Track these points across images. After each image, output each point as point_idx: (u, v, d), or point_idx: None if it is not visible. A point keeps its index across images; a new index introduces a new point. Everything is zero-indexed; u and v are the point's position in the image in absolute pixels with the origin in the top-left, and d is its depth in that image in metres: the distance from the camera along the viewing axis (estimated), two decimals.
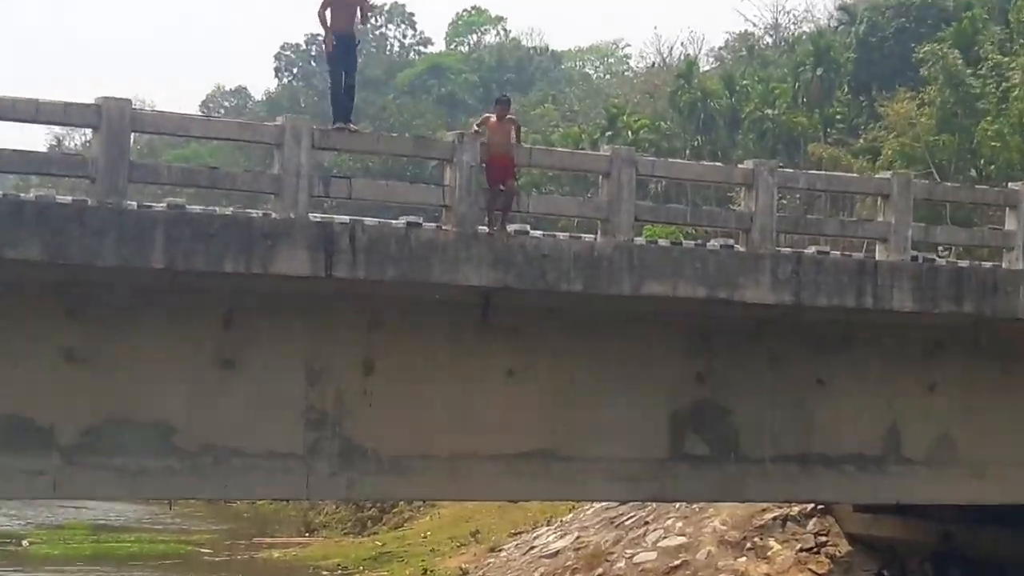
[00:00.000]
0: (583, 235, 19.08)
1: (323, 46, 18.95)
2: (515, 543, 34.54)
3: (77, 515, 45.61)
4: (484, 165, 17.29)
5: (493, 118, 17.01)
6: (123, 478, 17.79)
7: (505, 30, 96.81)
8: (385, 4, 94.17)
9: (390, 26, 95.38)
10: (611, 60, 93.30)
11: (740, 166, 20.95)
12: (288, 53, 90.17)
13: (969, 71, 42.80)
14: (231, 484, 19.27)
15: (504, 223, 17.54)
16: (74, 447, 17.08)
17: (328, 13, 18.17)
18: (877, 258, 19.97)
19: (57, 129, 49.66)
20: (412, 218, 17.74)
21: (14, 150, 17.69)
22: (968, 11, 48.16)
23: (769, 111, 53.32)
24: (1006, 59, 41.58)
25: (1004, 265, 20.70)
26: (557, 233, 19.29)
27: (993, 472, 21.81)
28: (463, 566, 34.59)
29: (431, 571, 34.87)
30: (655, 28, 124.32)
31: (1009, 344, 21.39)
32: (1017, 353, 21.62)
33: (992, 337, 21.11)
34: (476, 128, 17.44)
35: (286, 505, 46.27)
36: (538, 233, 18.40)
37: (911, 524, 26.28)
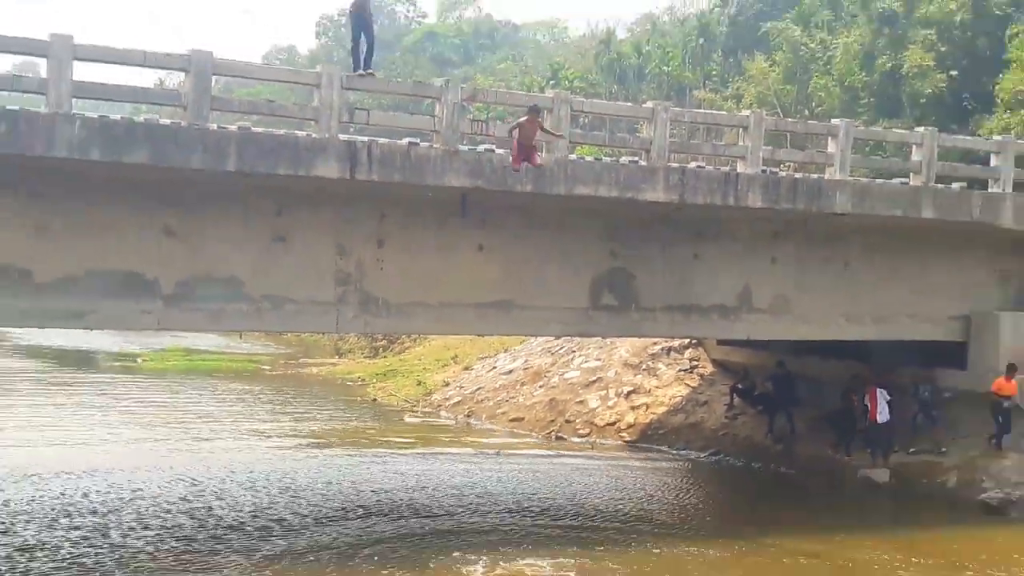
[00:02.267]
0: None
1: (348, 17, 18.66)
2: (482, 364, 34.72)
3: (175, 342, 45.59)
4: (516, 145, 16.94)
5: (526, 119, 16.80)
6: (207, 316, 17.75)
7: (480, 8, 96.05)
8: None
9: (398, 4, 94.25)
10: (555, 31, 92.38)
11: (644, 105, 20.62)
12: (325, 21, 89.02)
13: (806, 40, 42.52)
14: (284, 321, 19.16)
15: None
16: (172, 295, 16.96)
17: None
18: (738, 171, 19.75)
19: (160, 72, 48.55)
20: (412, 139, 17.57)
21: (129, 86, 17.68)
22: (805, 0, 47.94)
23: (665, 68, 53.04)
24: (829, 37, 41.39)
25: (826, 176, 20.53)
26: None
27: (812, 319, 22.02)
28: (446, 379, 34.74)
29: (423, 382, 34.99)
30: (587, 8, 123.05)
31: (827, 231, 21.46)
32: (832, 237, 21.76)
33: (816, 226, 21.15)
34: (516, 124, 17.14)
35: (322, 337, 46.35)
36: (501, 151, 18.09)
37: (757, 353, 26.59)
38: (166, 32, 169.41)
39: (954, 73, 34.49)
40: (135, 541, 17.01)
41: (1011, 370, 21.81)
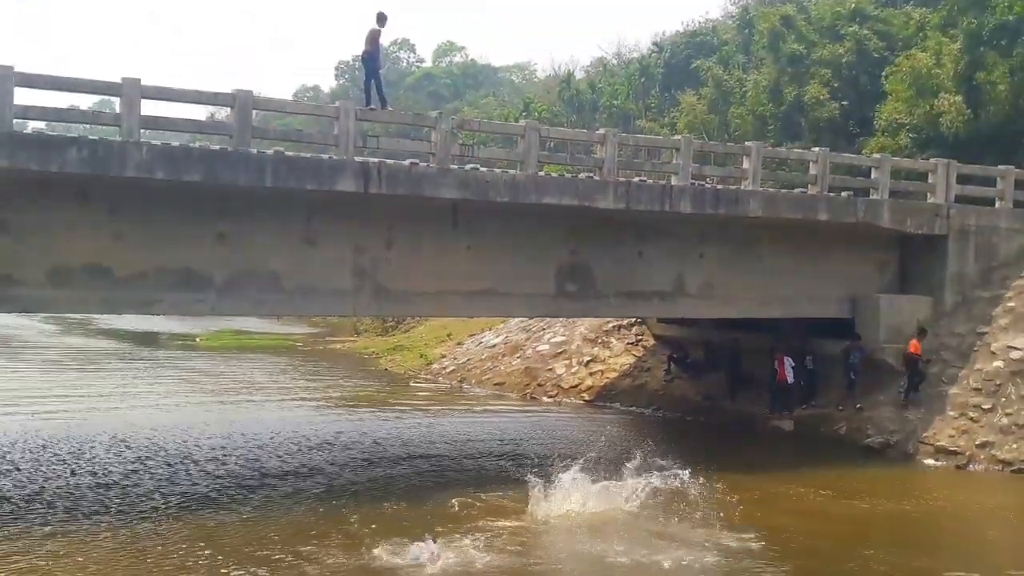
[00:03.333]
0: (510, 170, 18.79)
1: (361, 63, 18.64)
2: (471, 340, 34.71)
3: (225, 325, 45.42)
4: None
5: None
6: (251, 304, 17.87)
7: (467, 54, 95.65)
8: (397, 39, 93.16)
9: (401, 52, 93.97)
10: (526, 72, 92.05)
11: (597, 132, 20.68)
12: (342, 66, 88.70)
13: (726, 77, 42.54)
14: (312, 307, 19.44)
15: None
16: (223, 287, 16.97)
17: (365, 48, 18.21)
18: (672, 184, 19.84)
19: (211, 108, 48.38)
20: (413, 160, 17.58)
21: (186, 119, 17.98)
22: (724, 46, 47.85)
23: (614, 101, 52.85)
24: (745, 75, 41.44)
25: (742, 188, 20.65)
26: (495, 169, 18.98)
27: (732, 301, 22.10)
28: (443, 353, 34.73)
29: (424, 355, 34.97)
30: (551, 53, 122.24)
31: (743, 231, 21.54)
32: (747, 236, 21.80)
33: (735, 227, 21.25)
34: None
35: (344, 319, 46.12)
36: (484, 169, 18.15)
37: (690, 329, 26.58)
38: (166, 32, 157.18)
39: (845, 103, 34.72)
40: (225, 478, 17.27)
41: (921, 334, 21.91)
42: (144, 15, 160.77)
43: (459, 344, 35.10)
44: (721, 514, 14.73)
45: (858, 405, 22.21)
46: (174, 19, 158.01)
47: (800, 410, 22.88)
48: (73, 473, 17.21)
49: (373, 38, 18.28)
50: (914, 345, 21.68)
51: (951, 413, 20.70)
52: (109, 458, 18.44)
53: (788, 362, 22.69)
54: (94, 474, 17.23)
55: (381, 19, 18.31)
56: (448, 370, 32.41)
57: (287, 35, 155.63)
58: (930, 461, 20.01)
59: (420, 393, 29.06)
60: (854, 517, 16.11)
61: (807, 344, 23.42)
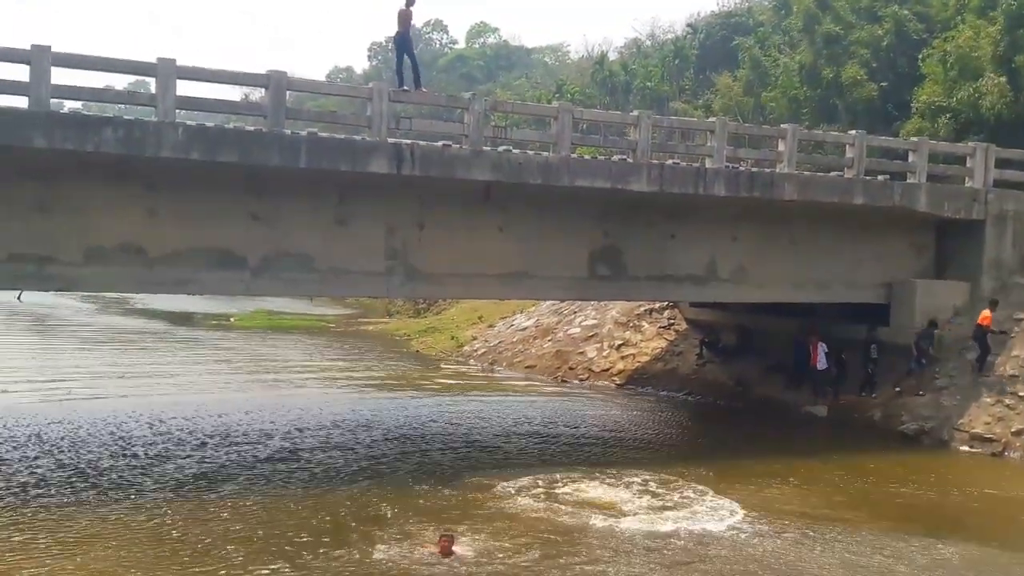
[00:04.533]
0: (543, 152, 18.68)
1: (394, 44, 18.57)
2: (503, 323, 34.68)
3: (259, 305, 45.67)
4: None
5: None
6: (284, 284, 17.70)
7: (500, 36, 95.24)
8: (430, 21, 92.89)
9: (434, 34, 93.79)
10: (558, 53, 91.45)
11: (631, 114, 20.50)
12: (375, 47, 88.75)
13: (763, 58, 42.06)
14: (345, 288, 19.51)
15: None
16: (257, 267, 16.97)
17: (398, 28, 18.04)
18: (706, 166, 19.66)
19: (244, 88, 48.64)
20: (446, 142, 17.54)
21: (221, 100, 17.93)
22: (760, 27, 47.30)
23: (648, 83, 52.43)
24: (782, 56, 40.91)
25: (777, 170, 20.42)
26: (528, 151, 18.88)
27: (765, 285, 21.90)
28: (474, 335, 34.71)
29: (456, 337, 34.96)
30: (584, 35, 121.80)
31: (777, 214, 21.30)
32: (782, 219, 21.58)
33: (769, 211, 20.99)
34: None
35: (376, 300, 46.26)
36: (517, 151, 18.05)
37: (722, 313, 26.43)
38: (166, 32, 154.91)
39: (884, 84, 34.27)
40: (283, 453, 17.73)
41: (993, 304, 21.52)
42: (144, 15, 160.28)
43: (490, 327, 35.06)
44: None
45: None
46: (174, 19, 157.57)
47: (871, 397, 22.25)
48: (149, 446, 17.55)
49: (404, 18, 18.13)
50: (985, 316, 21.15)
51: (987, 400, 20.41)
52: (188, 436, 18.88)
53: (822, 347, 22.46)
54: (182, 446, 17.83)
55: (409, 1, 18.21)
56: (479, 352, 32.40)
57: (287, 35, 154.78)
58: (965, 448, 19.74)
59: (451, 375, 29.07)
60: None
61: (872, 333, 22.62)
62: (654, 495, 15.41)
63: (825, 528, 14.07)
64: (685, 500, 15.23)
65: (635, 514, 14.36)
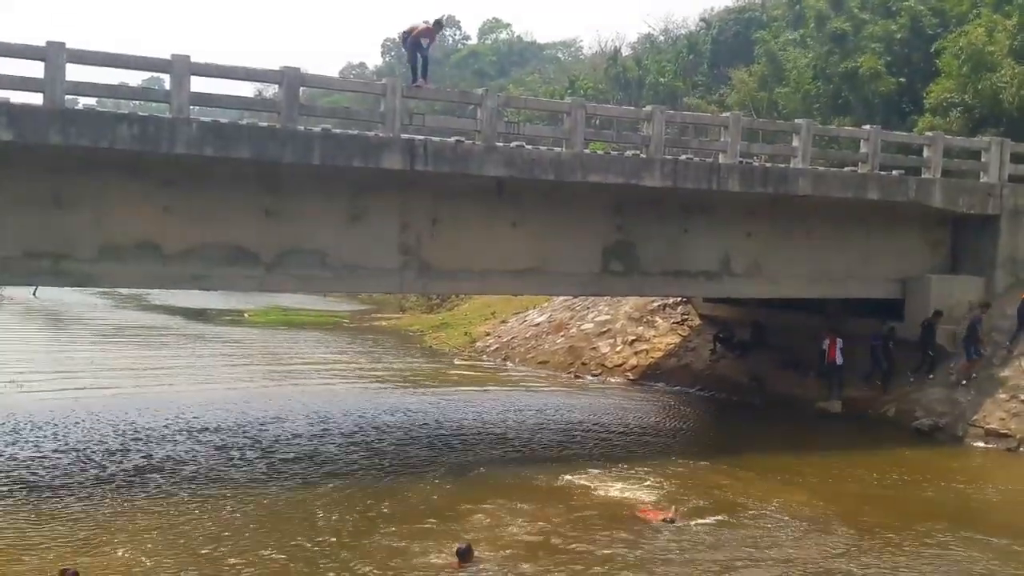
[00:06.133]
0: (556, 148, 18.62)
1: (409, 46, 18.50)
2: (515, 318, 34.67)
3: (273, 301, 45.79)
4: None
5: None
6: (298, 280, 17.66)
7: (512, 31, 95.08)
8: (444, 16, 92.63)
9: (446, 30, 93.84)
10: (571, 49, 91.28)
11: (644, 109, 20.41)
12: (388, 43, 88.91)
13: (779, 52, 41.78)
14: (358, 284, 19.43)
15: None
16: (271, 263, 16.93)
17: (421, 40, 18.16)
18: (720, 162, 19.55)
19: (257, 85, 48.73)
20: (458, 137, 17.52)
21: (235, 96, 17.80)
22: (774, 22, 47.03)
23: (661, 79, 52.23)
24: (797, 51, 40.65)
25: (791, 166, 20.33)
26: (541, 146, 18.83)
27: (779, 281, 21.76)
28: (487, 331, 34.71)
29: (469, 333, 34.99)
30: (597, 30, 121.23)
31: (791, 210, 21.18)
32: (796, 215, 21.45)
33: (783, 206, 20.88)
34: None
35: (389, 296, 46.20)
36: (530, 147, 18.01)
37: (735, 308, 26.28)
38: (179, 29, 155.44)
39: (902, 79, 34.11)
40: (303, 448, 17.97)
41: None
42: (157, 12, 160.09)
43: (503, 322, 35.03)
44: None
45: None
46: (174, 19, 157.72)
47: (885, 393, 22.09)
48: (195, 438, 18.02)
49: (426, 34, 18.16)
50: None
51: (1002, 396, 20.26)
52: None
53: (839, 343, 22.34)
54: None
55: (439, 26, 18.55)
56: (492, 348, 32.37)
57: (287, 35, 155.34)
58: (980, 444, 19.59)
59: (464, 371, 29.02)
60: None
61: (889, 328, 22.52)
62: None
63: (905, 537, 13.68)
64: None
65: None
